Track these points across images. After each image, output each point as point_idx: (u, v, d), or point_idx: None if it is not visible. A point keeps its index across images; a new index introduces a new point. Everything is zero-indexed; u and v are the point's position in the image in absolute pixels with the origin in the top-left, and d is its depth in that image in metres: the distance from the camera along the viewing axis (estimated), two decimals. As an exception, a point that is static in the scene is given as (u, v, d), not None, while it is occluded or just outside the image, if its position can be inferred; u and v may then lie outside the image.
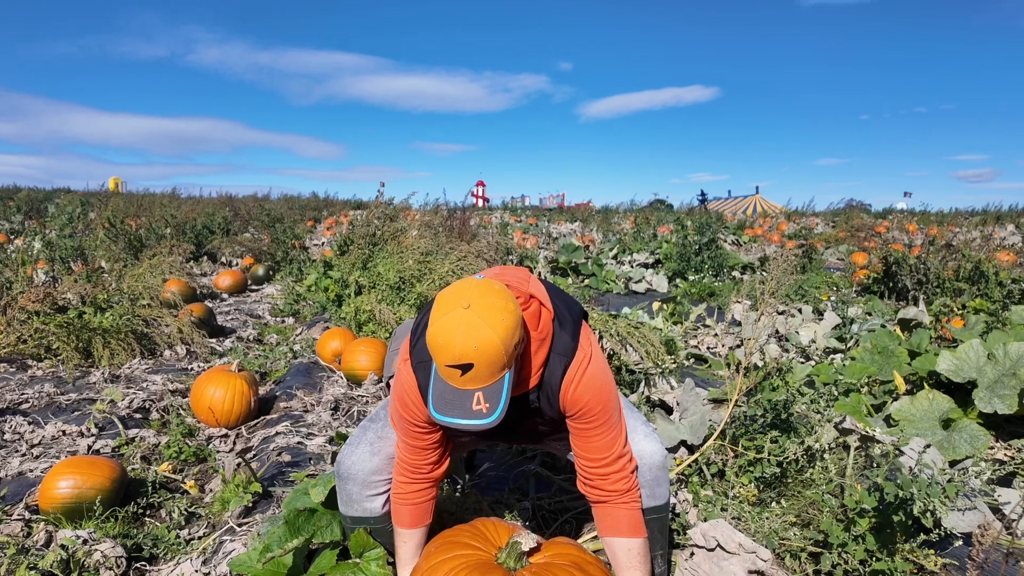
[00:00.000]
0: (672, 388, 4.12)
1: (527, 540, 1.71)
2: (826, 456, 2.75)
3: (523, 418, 1.93)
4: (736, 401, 2.93)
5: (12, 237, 10.91)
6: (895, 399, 3.83)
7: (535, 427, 2.03)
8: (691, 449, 3.10)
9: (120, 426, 3.50)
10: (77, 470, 2.68)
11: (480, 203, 37.07)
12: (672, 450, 3.13)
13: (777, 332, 5.46)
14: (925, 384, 3.78)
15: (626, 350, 4.17)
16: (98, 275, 5.76)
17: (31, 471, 3.07)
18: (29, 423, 3.62)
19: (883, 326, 4.98)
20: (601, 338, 4.22)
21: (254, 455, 3.35)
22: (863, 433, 3.09)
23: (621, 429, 1.91)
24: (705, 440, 3.05)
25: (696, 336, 5.90)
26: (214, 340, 5.51)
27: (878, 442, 3.09)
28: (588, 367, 1.81)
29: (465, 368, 1.56)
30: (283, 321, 6.37)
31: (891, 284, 7.77)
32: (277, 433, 3.49)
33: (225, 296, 7.34)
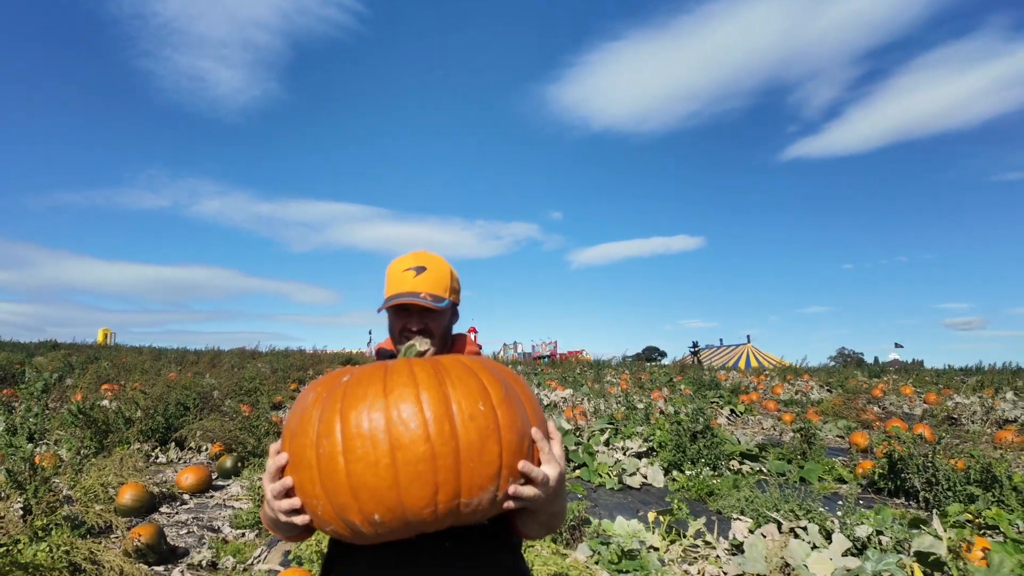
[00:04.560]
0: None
1: (421, 342, 1.74)
2: None
3: None
4: None
5: (-24, 414, 10.39)
6: None
7: None
8: None
9: None
10: None
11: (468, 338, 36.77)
12: None
13: (784, 564, 4.96)
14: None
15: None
16: (43, 491, 5.28)
17: None
18: None
19: (901, 567, 4.51)
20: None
21: None
22: None
23: None
24: None
25: (696, 559, 5.39)
26: (162, 568, 4.97)
27: None
28: None
29: (419, 270, 1.87)
30: (244, 535, 5.83)
31: (898, 482, 7.32)
32: None
33: (187, 497, 6.81)
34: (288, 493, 1.47)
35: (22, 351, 19.93)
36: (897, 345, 34.17)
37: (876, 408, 14.93)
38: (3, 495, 5.32)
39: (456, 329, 2.10)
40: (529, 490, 1.41)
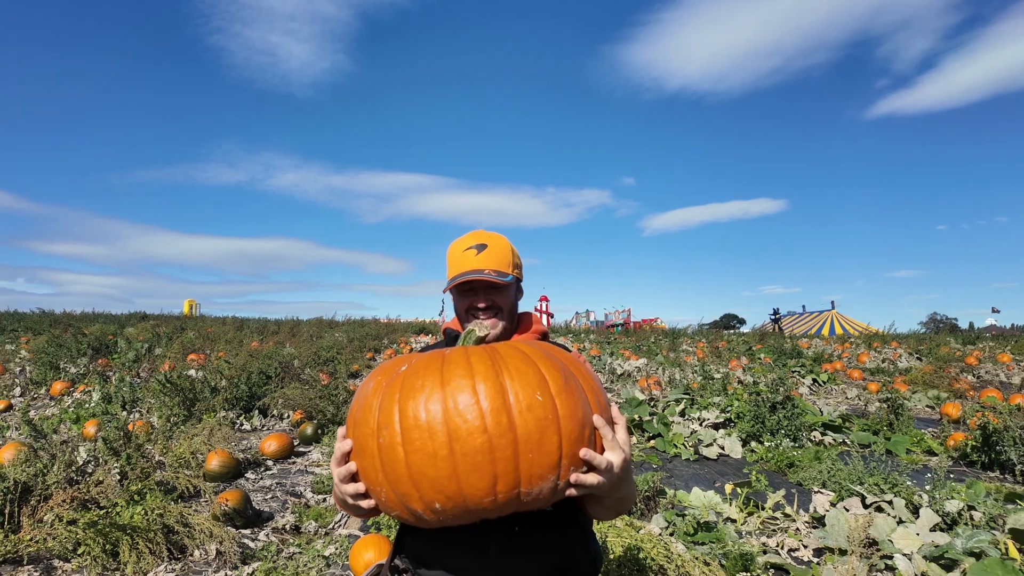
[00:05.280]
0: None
1: (481, 327, 1.71)
2: None
3: None
4: None
5: (74, 383, 11.05)
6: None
7: None
8: None
9: None
10: None
11: (544, 319, 36.97)
12: None
13: (868, 539, 4.79)
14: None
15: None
16: (136, 457, 5.56)
17: None
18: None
19: (995, 545, 4.29)
20: (663, 571, 3.72)
21: None
22: None
23: None
24: None
25: (775, 532, 5.28)
26: (248, 531, 5.18)
27: None
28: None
29: (480, 247, 1.89)
30: (325, 500, 6.01)
31: (993, 455, 6.97)
32: None
33: (270, 463, 7.07)
34: (354, 477, 1.49)
35: (114, 323, 21.03)
36: (994, 310, 32.59)
37: (970, 377, 14.24)
38: (101, 461, 5.63)
39: (528, 297, 2.09)
40: (592, 478, 1.38)
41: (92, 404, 9.12)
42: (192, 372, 10.75)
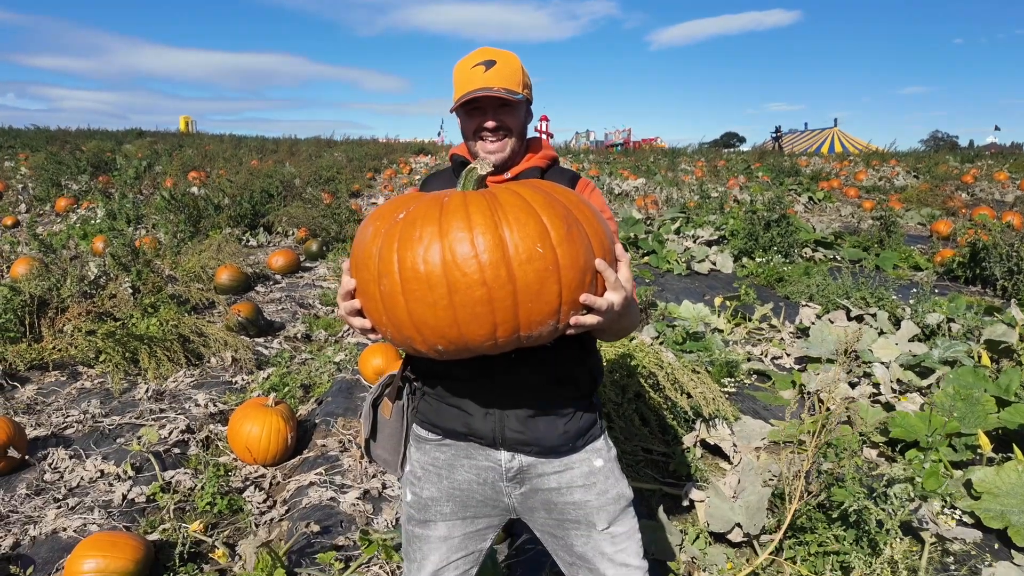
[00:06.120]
0: (732, 433, 3.86)
1: (483, 165, 1.60)
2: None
3: None
4: (800, 494, 2.66)
5: (78, 199, 11.09)
6: (981, 459, 3.50)
7: None
8: (747, 537, 2.86)
9: (156, 468, 3.46)
10: (100, 551, 2.62)
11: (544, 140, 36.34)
12: (726, 533, 2.90)
13: (849, 348, 5.05)
14: (1015, 446, 3.41)
15: (680, 392, 3.90)
16: (147, 272, 5.73)
17: (64, 529, 3.04)
18: (71, 457, 3.64)
19: (969, 355, 4.55)
20: (654, 376, 3.96)
21: (287, 510, 3.26)
22: (939, 532, 2.82)
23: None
24: (762, 532, 2.81)
25: (760, 341, 5.56)
26: (261, 340, 5.45)
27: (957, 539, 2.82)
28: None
29: (488, 64, 1.78)
30: (333, 311, 6.27)
31: (977, 271, 7.19)
32: (311, 484, 3.39)
33: (278, 277, 7.29)
34: (360, 312, 1.56)
35: (111, 139, 20.83)
36: (996, 128, 32.16)
37: (965, 195, 14.29)
38: (112, 275, 5.79)
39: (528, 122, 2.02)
40: (591, 318, 1.41)
41: (98, 220, 9.24)
42: (194, 190, 10.78)
